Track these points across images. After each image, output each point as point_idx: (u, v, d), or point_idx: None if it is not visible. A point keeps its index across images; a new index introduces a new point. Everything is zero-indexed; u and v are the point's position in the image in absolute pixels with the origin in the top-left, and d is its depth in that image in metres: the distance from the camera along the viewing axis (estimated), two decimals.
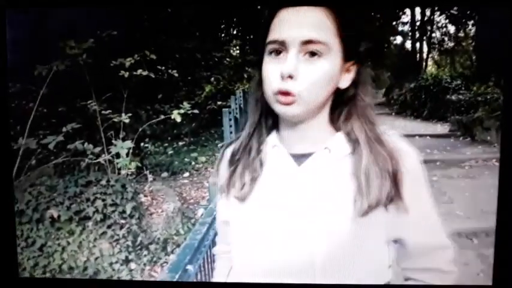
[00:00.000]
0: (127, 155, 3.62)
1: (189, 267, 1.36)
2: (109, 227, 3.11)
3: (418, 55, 10.49)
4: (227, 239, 0.88)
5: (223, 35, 7.99)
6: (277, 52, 0.71)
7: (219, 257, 0.96)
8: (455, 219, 3.41)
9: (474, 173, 4.60)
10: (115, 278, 2.90)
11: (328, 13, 0.70)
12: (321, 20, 0.69)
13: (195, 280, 1.40)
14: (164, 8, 5.37)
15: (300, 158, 0.77)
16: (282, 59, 0.70)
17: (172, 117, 3.95)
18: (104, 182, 3.26)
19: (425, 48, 10.46)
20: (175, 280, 1.27)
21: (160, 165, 4.95)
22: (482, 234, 3.19)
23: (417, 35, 10.46)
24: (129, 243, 3.11)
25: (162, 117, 4.35)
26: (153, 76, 4.25)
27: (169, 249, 3.29)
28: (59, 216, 2.99)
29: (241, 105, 4.44)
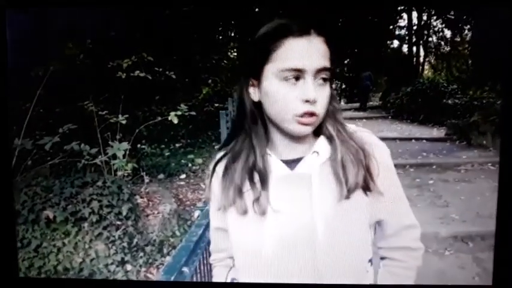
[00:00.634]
0: (124, 156, 3.61)
1: (185, 269, 1.36)
2: (105, 228, 3.09)
3: (414, 59, 10.54)
4: (220, 245, 0.97)
5: (221, 37, 8.00)
6: (296, 78, 0.79)
7: (215, 266, 1.02)
8: (450, 222, 3.43)
9: (470, 177, 4.62)
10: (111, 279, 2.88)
11: (325, 40, 0.80)
12: (325, 49, 0.80)
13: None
14: (162, 9, 5.38)
15: (290, 163, 0.86)
16: (299, 85, 0.79)
17: (169, 119, 3.95)
18: (100, 183, 3.24)
19: (421, 53, 10.50)
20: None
21: (157, 166, 4.94)
22: (478, 237, 3.21)
23: (414, 39, 10.50)
24: (125, 244, 3.10)
25: (159, 118, 4.34)
26: (150, 78, 4.25)
27: (165, 251, 3.28)
28: (54, 217, 2.98)
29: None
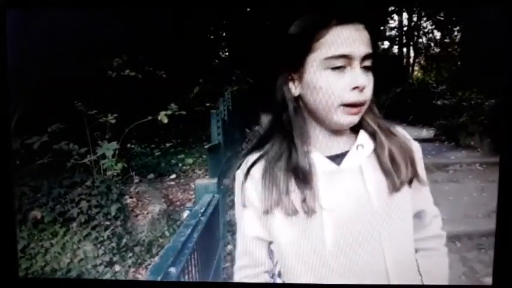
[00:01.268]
0: (113, 156, 3.59)
1: (172, 269, 1.36)
2: (93, 228, 3.07)
3: (404, 60, 10.60)
4: (260, 258, 0.90)
5: (212, 36, 7.97)
6: (342, 67, 0.77)
7: (241, 277, 0.93)
8: None
9: (458, 177, 4.66)
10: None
11: (365, 27, 0.80)
12: (367, 36, 0.79)
13: None
14: (153, 9, 5.35)
15: (335, 159, 0.84)
16: (347, 72, 0.77)
17: (159, 119, 3.92)
18: (89, 183, 3.22)
19: (411, 53, 10.57)
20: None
21: (147, 166, 4.90)
22: (465, 237, 3.24)
23: (404, 40, 10.56)
24: (114, 245, 3.08)
25: (149, 118, 4.31)
26: (140, 77, 4.22)
27: (154, 251, 3.27)
28: (42, 218, 2.95)
29: (229, 107, 4.44)
